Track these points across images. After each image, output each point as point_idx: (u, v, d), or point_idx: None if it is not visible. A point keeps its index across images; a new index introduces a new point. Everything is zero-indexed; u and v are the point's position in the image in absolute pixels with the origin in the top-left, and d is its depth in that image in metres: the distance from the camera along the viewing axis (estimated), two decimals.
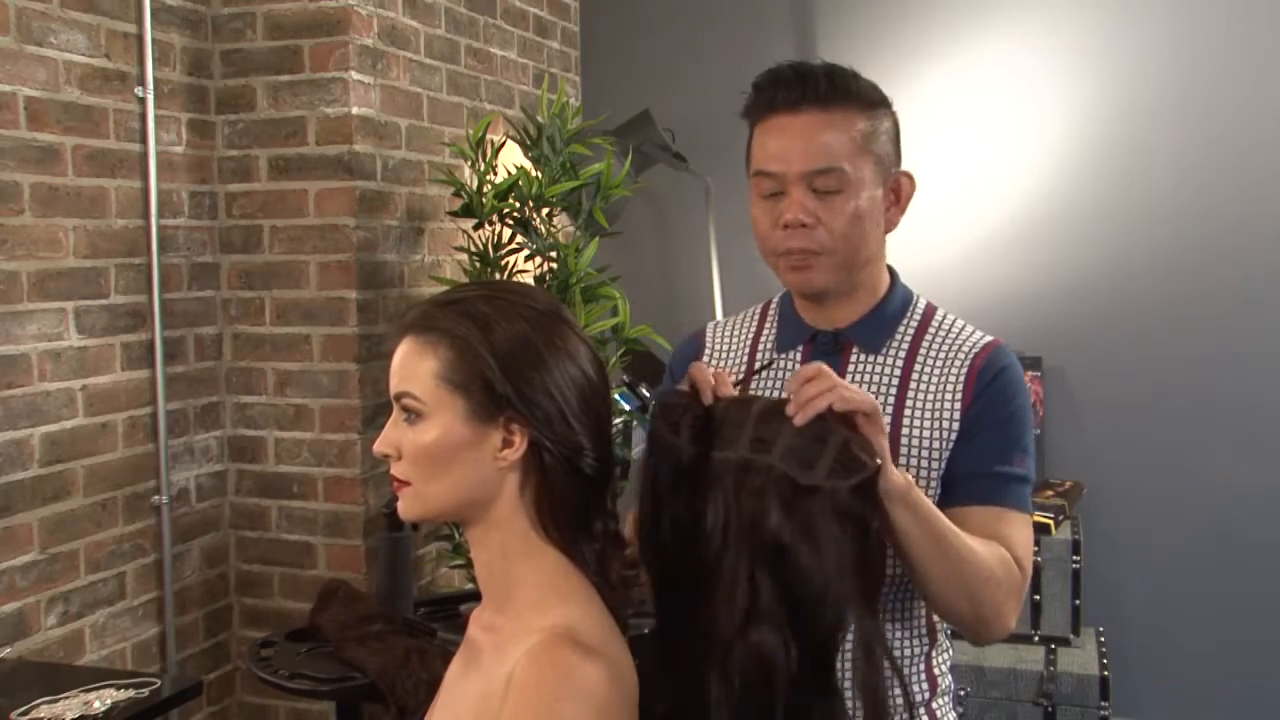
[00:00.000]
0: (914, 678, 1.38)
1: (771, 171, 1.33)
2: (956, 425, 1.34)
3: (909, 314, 1.42)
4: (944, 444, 1.34)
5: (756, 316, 1.50)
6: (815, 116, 1.31)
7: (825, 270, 1.34)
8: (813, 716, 1.08)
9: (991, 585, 1.24)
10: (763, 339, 1.46)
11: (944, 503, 1.30)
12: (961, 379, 1.35)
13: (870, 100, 1.35)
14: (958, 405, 1.34)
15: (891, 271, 1.45)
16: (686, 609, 1.10)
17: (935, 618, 1.39)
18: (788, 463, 1.05)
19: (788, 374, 1.41)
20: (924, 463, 1.34)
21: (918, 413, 1.35)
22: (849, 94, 1.33)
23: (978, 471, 1.32)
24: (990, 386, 1.34)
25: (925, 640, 1.39)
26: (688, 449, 1.11)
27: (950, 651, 1.45)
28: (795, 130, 1.32)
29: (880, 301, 1.41)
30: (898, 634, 1.37)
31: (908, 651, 1.38)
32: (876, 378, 1.37)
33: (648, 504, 1.14)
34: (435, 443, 1.08)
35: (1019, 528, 1.32)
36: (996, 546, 1.27)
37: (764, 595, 1.04)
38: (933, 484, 1.34)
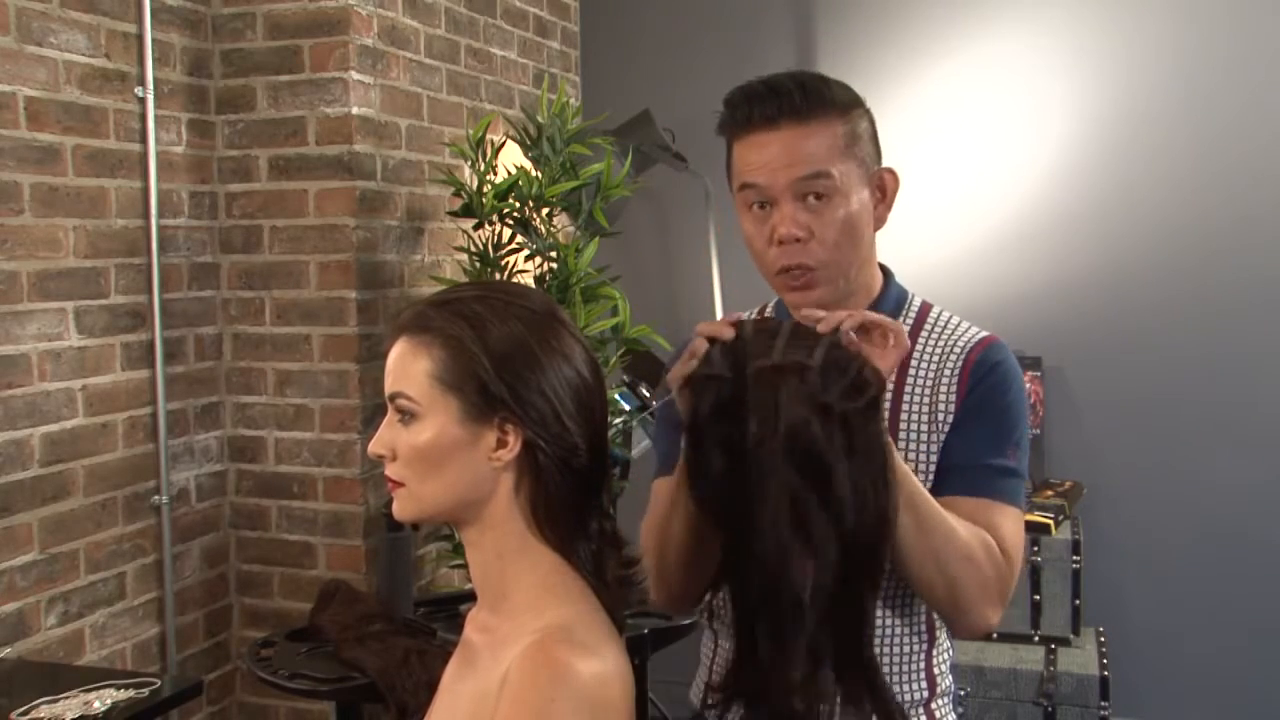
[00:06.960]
0: (914, 677, 1.39)
1: (757, 183, 1.33)
2: (951, 418, 1.35)
3: (905, 312, 1.43)
4: (939, 436, 1.35)
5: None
6: (794, 129, 1.31)
7: (824, 284, 1.34)
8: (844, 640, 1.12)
9: (969, 565, 1.24)
10: None
11: (935, 493, 1.31)
12: (957, 373, 1.36)
13: (844, 103, 1.35)
14: (953, 398, 1.35)
15: (885, 270, 1.45)
16: (741, 542, 1.12)
17: (935, 617, 1.39)
18: (819, 373, 1.10)
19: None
20: (920, 456, 1.35)
21: (914, 407, 1.36)
22: (823, 101, 1.33)
23: (969, 463, 1.33)
24: (985, 380, 1.35)
25: (925, 639, 1.40)
26: (724, 372, 1.13)
27: (951, 651, 1.45)
28: (776, 143, 1.32)
29: (875, 301, 1.42)
30: (897, 632, 1.37)
31: (907, 649, 1.38)
32: None
33: (692, 446, 1.15)
34: (429, 443, 1.08)
35: (1008, 519, 1.32)
36: (981, 531, 1.27)
37: (808, 507, 1.08)
38: (929, 478, 1.35)
